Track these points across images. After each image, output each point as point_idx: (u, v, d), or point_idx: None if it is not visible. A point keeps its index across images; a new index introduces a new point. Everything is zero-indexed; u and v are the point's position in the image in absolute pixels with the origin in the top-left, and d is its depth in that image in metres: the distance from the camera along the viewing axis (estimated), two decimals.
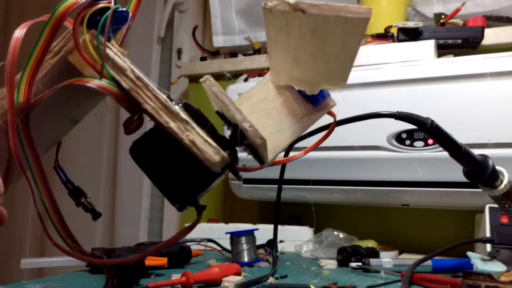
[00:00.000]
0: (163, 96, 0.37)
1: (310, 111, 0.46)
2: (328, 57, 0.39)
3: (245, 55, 1.36)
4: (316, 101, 0.46)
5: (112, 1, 0.39)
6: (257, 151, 0.42)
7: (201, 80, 0.40)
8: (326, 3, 0.34)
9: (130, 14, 0.41)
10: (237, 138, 0.39)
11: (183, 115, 0.37)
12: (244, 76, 1.16)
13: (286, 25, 0.36)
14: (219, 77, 1.33)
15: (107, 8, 0.39)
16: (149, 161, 0.38)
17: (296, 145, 0.70)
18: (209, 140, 0.36)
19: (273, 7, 0.34)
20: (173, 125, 0.36)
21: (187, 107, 0.38)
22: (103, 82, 0.36)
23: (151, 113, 0.37)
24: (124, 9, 0.40)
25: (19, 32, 0.38)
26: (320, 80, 0.44)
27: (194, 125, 0.37)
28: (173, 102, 0.38)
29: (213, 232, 0.97)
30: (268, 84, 0.47)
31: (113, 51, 0.38)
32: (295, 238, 0.99)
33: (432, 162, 0.89)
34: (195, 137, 0.36)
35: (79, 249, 0.42)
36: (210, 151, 0.36)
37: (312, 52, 0.39)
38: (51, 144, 0.50)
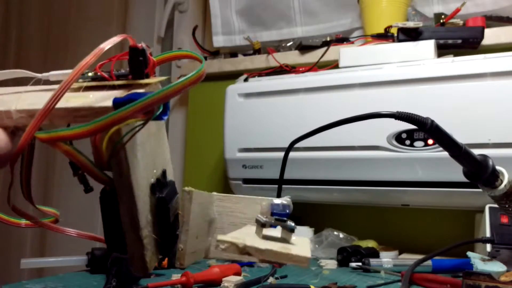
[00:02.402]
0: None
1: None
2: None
3: (245, 55, 1.36)
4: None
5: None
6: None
7: (186, 189, 0.46)
8: (271, 249, 0.40)
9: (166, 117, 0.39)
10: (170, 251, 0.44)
11: (145, 231, 0.39)
12: (244, 76, 1.16)
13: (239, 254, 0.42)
14: (219, 77, 1.33)
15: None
16: (106, 209, 0.41)
17: (296, 145, 0.70)
18: (147, 256, 0.39)
19: (224, 250, 0.41)
20: (129, 235, 0.39)
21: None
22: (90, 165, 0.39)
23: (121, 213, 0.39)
24: (164, 115, 0.37)
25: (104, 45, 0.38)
26: None
27: (147, 240, 0.39)
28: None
29: None
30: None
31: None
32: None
33: (432, 162, 0.89)
34: (137, 251, 0.39)
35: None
36: (140, 266, 0.39)
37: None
38: None
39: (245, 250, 0.40)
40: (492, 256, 0.70)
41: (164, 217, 0.42)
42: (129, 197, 0.38)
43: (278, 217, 0.46)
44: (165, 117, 0.37)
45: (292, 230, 0.45)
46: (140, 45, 0.38)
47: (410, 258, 0.79)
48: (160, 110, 0.36)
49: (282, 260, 0.40)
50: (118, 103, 0.35)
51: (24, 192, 0.41)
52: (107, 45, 0.38)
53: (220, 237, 0.41)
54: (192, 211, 0.46)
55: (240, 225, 0.52)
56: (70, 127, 0.35)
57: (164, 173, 0.44)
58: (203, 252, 0.51)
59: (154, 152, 0.43)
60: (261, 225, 0.45)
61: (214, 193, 0.53)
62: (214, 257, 0.52)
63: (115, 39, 0.39)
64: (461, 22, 1.04)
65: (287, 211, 0.47)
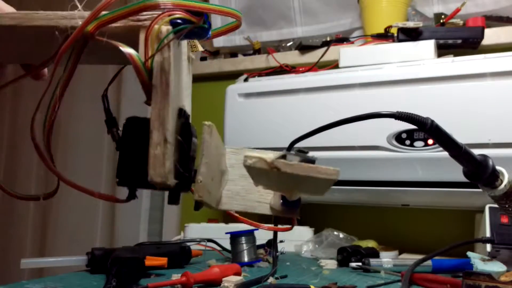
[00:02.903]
0: (168, 110, 0.39)
1: (278, 207, 0.52)
2: (303, 190, 0.48)
3: (245, 55, 1.36)
4: (287, 205, 0.52)
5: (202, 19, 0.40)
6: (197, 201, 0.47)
7: (206, 123, 0.47)
8: (299, 163, 0.41)
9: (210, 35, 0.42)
10: (190, 181, 0.43)
11: (170, 136, 0.38)
12: (244, 76, 1.16)
13: (265, 174, 0.42)
14: (219, 77, 1.33)
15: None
16: (130, 137, 0.42)
17: (296, 145, 0.70)
18: (168, 163, 0.37)
19: (252, 165, 0.41)
20: (155, 133, 0.38)
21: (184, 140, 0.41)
22: (140, 64, 0.37)
23: (151, 112, 0.38)
24: (207, 32, 0.41)
25: None
26: (300, 192, 0.51)
27: (170, 147, 0.38)
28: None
29: (213, 232, 0.97)
30: None
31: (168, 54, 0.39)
32: (295, 238, 0.99)
33: (432, 162, 0.89)
34: (160, 152, 0.37)
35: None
36: (159, 171, 0.37)
37: (289, 187, 0.46)
38: (98, 61, 0.52)
39: (273, 164, 0.40)
40: (492, 256, 0.70)
41: (186, 143, 0.41)
42: (164, 95, 0.38)
43: (299, 149, 0.46)
44: (208, 35, 0.40)
45: (313, 162, 0.45)
46: None
47: (410, 258, 0.79)
48: (206, 26, 0.39)
49: (312, 172, 0.40)
50: None
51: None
52: None
53: (248, 152, 0.41)
54: (211, 145, 0.45)
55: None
56: (112, 11, 0.37)
57: (184, 110, 0.43)
58: (215, 200, 0.50)
59: (182, 81, 0.43)
60: (282, 156, 0.45)
61: (226, 146, 0.53)
62: (224, 209, 0.51)
63: None
64: (461, 22, 1.04)
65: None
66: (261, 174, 0.43)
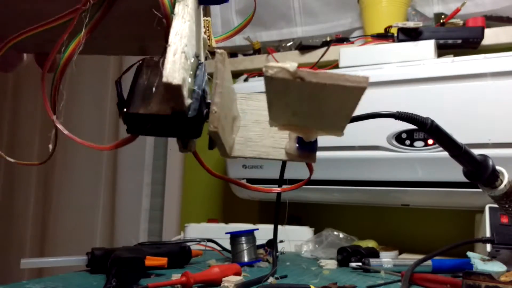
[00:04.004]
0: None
1: (293, 151, 0.49)
2: (325, 114, 0.42)
3: (245, 55, 1.36)
4: (303, 148, 0.48)
5: None
6: (211, 136, 0.44)
7: (218, 50, 0.42)
8: (325, 71, 0.36)
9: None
10: (206, 112, 0.41)
11: (191, 53, 0.38)
12: (244, 76, 1.16)
13: (285, 88, 0.38)
14: None
15: None
16: (139, 74, 0.41)
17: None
18: (185, 71, 0.37)
19: (274, 75, 0.36)
20: (174, 47, 0.37)
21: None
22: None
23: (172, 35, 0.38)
24: None
25: None
26: (317, 128, 0.46)
27: (192, 60, 0.38)
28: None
29: (213, 232, 0.97)
30: None
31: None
32: (295, 238, 0.99)
33: (432, 162, 0.89)
34: (179, 61, 0.37)
35: None
36: (176, 75, 0.36)
37: (310, 110, 0.42)
38: (108, 50, 0.51)
39: (296, 74, 0.36)
40: (492, 256, 0.70)
41: (200, 82, 0.41)
42: (183, 19, 0.38)
43: None
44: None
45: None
46: None
47: (410, 258, 0.79)
48: None
49: (339, 81, 0.36)
50: None
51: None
52: None
53: (268, 64, 0.37)
54: (224, 75, 0.43)
55: (265, 123, 0.48)
56: None
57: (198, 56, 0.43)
58: (228, 144, 0.47)
59: (197, 26, 0.43)
60: None
61: (237, 91, 0.51)
62: (237, 156, 0.48)
63: None
64: (461, 22, 1.04)
65: None
66: (280, 91, 0.39)
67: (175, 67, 0.36)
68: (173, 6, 0.38)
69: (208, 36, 0.46)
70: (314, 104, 0.40)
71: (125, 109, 0.39)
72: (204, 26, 0.44)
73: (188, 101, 0.38)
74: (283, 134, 0.49)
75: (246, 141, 0.48)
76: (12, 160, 0.46)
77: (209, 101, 0.42)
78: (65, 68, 0.39)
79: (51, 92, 0.40)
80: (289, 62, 0.36)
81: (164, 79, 0.35)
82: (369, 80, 0.36)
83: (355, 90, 0.37)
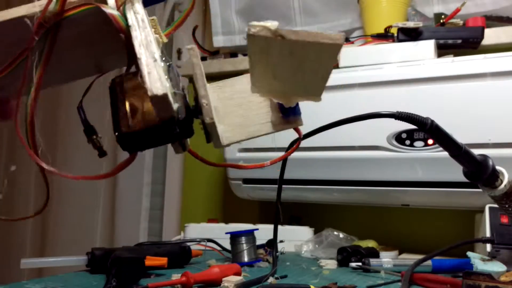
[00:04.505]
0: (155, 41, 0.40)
1: (279, 121, 0.50)
2: (305, 74, 0.44)
3: (245, 55, 1.36)
4: (287, 115, 0.50)
5: None
6: (207, 129, 0.45)
7: (187, 47, 0.45)
8: (304, 30, 0.39)
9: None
10: (197, 109, 0.43)
11: (159, 59, 0.39)
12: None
13: (267, 47, 0.40)
14: (219, 77, 1.33)
15: None
16: (114, 96, 0.43)
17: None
18: (164, 78, 0.38)
19: (256, 33, 0.39)
20: (143, 57, 0.38)
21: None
22: (115, 12, 0.39)
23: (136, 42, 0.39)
24: None
25: None
26: (297, 93, 0.48)
27: (162, 65, 0.39)
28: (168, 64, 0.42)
29: (213, 232, 0.97)
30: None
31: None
32: (295, 238, 0.99)
33: (432, 162, 0.89)
34: (154, 71, 0.38)
35: None
36: (158, 85, 0.37)
37: (290, 70, 0.43)
38: (65, 78, 0.52)
39: (277, 32, 0.38)
40: (492, 256, 0.70)
41: (177, 83, 0.42)
42: (143, 28, 0.39)
43: None
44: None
45: None
46: None
47: (410, 258, 0.79)
48: None
49: (317, 38, 0.38)
50: None
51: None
52: None
53: (252, 23, 0.39)
54: (202, 68, 0.45)
55: (246, 104, 0.51)
56: None
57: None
58: (217, 137, 0.48)
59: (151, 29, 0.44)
60: None
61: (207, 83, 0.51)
62: (230, 142, 0.49)
63: None
64: (461, 22, 1.04)
65: None
66: (262, 50, 0.41)
67: (154, 78, 0.37)
68: (124, 17, 0.39)
69: (158, 33, 0.47)
70: (294, 63, 0.42)
71: (116, 133, 0.41)
72: (152, 26, 0.45)
73: (175, 105, 0.39)
74: (267, 109, 0.50)
75: (235, 127, 0.50)
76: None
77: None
78: (33, 115, 0.41)
79: (27, 140, 0.41)
80: (270, 21, 0.38)
81: (149, 93, 0.36)
82: (344, 39, 0.39)
83: (332, 47, 0.39)
